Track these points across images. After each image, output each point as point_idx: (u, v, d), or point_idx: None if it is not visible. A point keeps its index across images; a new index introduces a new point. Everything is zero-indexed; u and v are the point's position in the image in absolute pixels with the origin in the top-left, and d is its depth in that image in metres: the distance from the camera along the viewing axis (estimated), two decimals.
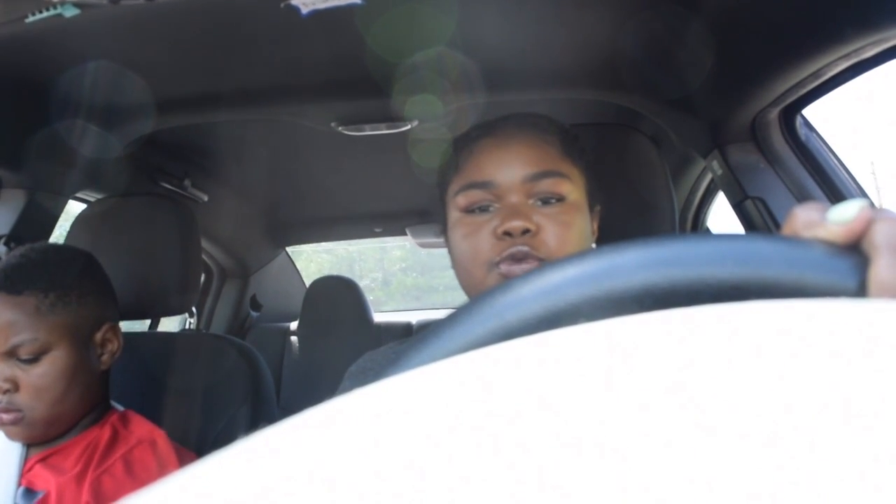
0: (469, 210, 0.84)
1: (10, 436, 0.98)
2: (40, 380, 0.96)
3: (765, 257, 0.29)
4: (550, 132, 0.87)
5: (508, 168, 0.82)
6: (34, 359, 0.96)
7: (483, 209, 0.83)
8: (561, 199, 0.81)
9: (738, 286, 0.29)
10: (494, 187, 0.82)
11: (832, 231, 0.31)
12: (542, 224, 0.79)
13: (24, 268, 0.99)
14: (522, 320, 0.30)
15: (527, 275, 0.32)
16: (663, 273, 0.30)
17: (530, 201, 0.81)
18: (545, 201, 0.81)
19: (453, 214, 0.86)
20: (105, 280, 1.13)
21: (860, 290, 0.28)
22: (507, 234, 0.78)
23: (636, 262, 0.30)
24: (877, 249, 0.29)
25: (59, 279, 1.01)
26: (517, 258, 0.77)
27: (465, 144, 0.89)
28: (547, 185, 0.81)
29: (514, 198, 0.81)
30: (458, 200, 0.84)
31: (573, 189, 0.83)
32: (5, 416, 0.95)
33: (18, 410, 0.95)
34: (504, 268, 0.78)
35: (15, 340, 0.94)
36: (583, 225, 0.83)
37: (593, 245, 0.88)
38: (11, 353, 0.95)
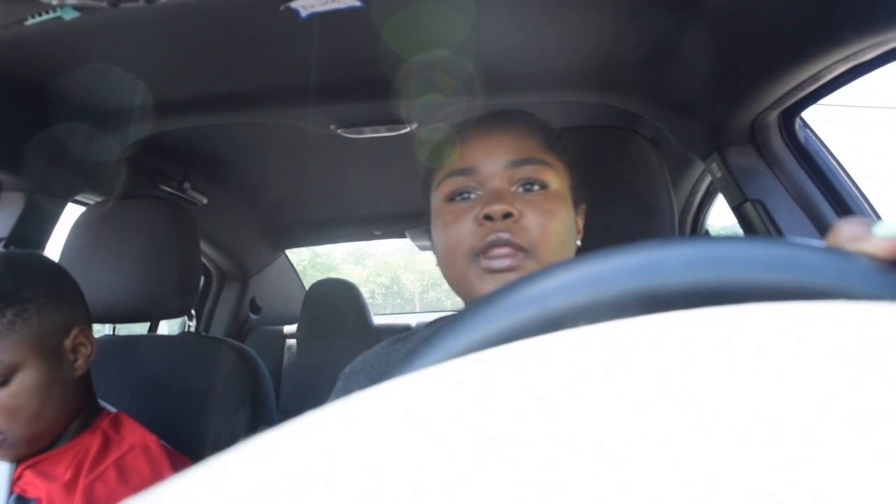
0: (451, 198, 0.83)
1: None
2: (13, 401, 0.91)
3: (814, 266, 0.29)
4: (533, 126, 0.87)
5: (491, 155, 0.82)
6: (3, 381, 0.91)
7: (465, 197, 0.83)
8: (544, 186, 0.81)
9: (786, 291, 0.29)
10: (477, 174, 0.82)
11: (877, 246, 0.31)
12: (524, 210, 0.78)
13: None
14: (523, 324, 0.30)
15: (529, 276, 0.32)
16: (714, 272, 0.30)
17: (513, 188, 0.81)
18: (527, 188, 0.81)
19: (436, 204, 0.86)
20: (66, 282, 1.06)
21: None
22: (489, 217, 0.77)
23: (687, 260, 0.30)
24: None
25: (14, 294, 0.94)
26: (497, 245, 0.76)
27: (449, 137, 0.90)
28: (529, 172, 0.81)
29: (497, 183, 0.81)
30: (442, 189, 0.84)
31: (556, 178, 0.83)
32: None
33: None
34: (484, 262, 0.77)
35: None
36: (566, 216, 0.82)
37: (578, 243, 0.88)
38: None
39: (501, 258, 0.76)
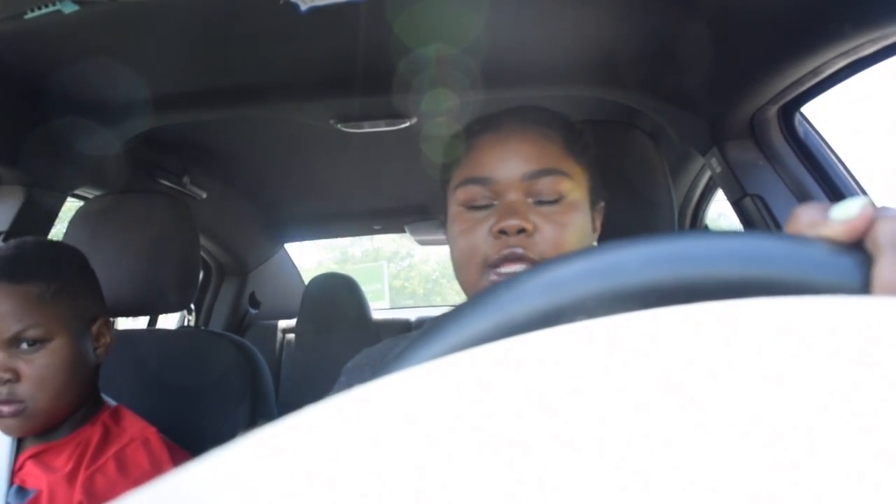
0: (468, 205, 0.82)
1: (7, 430, 0.97)
2: (44, 370, 0.95)
3: (769, 255, 0.29)
4: (553, 127, 0.85)
5: (508, 165, 0.81)
6: (37, 348, 0.96)
7: (482, 205, 0.82)
8: (560, 198, 0.80)
9: (743, 284, 0.29)
10: (493, 184, 0.81)
11: (835, 229, 0.31)
12: (539, 224, 0.78)
13: (23, 258, 1.00)
14: (523, 317, 0.30)
15: (528, 271, 0.32)
16: (667, 270, 0.30)
17: (529, 199, 0.80)
18: (544, 199, 0.80)
19: (453, 208, 0.85)
20: (95, 277, 1.12)
21: (864, 289, 0.28)
22: (503, 232, 0.77)
23: (641, 259, 0.30)
24: (880, 249, 0.29)
25: (57, 272, 1.02)
26: (511, 260, 0.76)
27: (466, 138, 0.88)
28: (546, 184, 0.80)
29: (513, 195, 0.80)
30: (458, 195, 0.83)
31: (574, 188, 0.81)
32: (5, 409, 0.93)
33: (20, 402, 0.94)
34: (493, 277, 0.77)
35: (19, 327, 0.94)
36: (581, 225, 0.81)
37: (595, 243, 0.87)
38: (14, 341, 0.95)
39: (514, 269, 0.76)
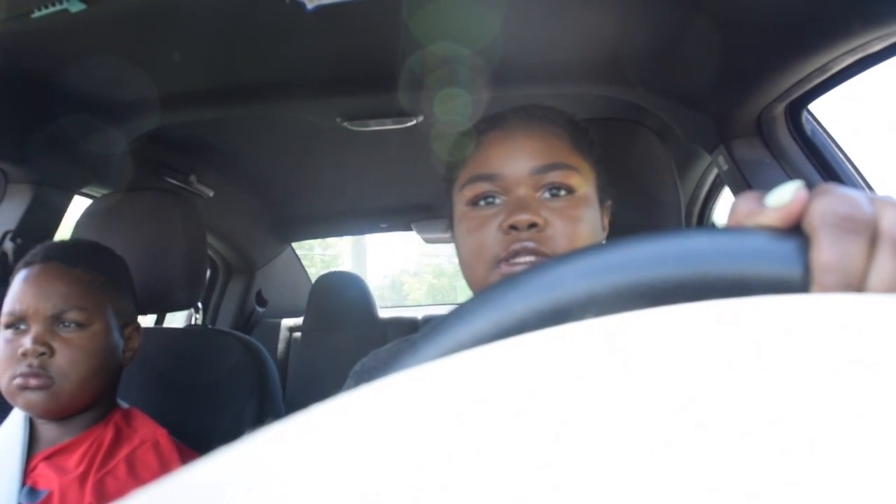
0: (475, 203, 0.81)
1: (29, 405, 0.98)
2: (77, 352, 1.00)
3: (704, 252, 0.29)
4: (559, 124, 0.84)
5: (515, 160, 0.80)
6: (75, 330, 1.01)
7: (489, 202, 0.81)
8: (570, 191, 0.79)
9: (684, 285, 0.28)
10: (501, 180, 0.80)
11: (772, 217, 0.30)
12: (549, 219, 0.76)
13: (78, 247, 1.10)
14: (523, 317, 0.30)
15: (527, 271, 0.32)
16: (604, 281, 0.29)
17: (538, 194, 0.79)
18: (553, 194, 0.79)
19: (459, 208, 0.84)
20: (134, 287, 1.19)
21: (805, 275, 0.28)
22: (514, 227, 0.76)
23: (576, 273, 0.30)
24: (814, 230, 0.28)
25: (107, 268, 1.10)
26: (522, 254, 0.75)
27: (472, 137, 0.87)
28: (555, 177, 0.79)
29: (522, 190, 0.79)
30: (465, 193, 0.82)
31: (583, 182, 0.80)
32: (33, 381, 0.96)
33: (48, 377, 0.97)
34: (505, 268, 0.75)
35: (64, 306, 1.00)
36: (592, 219, 0.80)
37: (604, 241, 0.86)
38: (55, 319, 1.00)
39: (524, 264, 0.74)
